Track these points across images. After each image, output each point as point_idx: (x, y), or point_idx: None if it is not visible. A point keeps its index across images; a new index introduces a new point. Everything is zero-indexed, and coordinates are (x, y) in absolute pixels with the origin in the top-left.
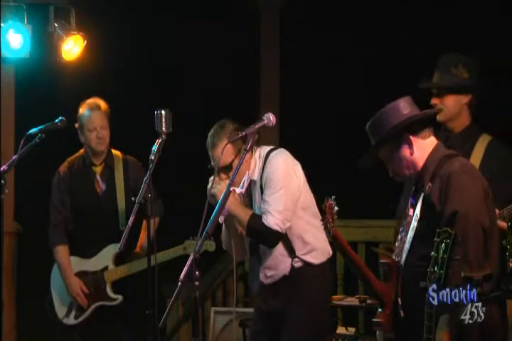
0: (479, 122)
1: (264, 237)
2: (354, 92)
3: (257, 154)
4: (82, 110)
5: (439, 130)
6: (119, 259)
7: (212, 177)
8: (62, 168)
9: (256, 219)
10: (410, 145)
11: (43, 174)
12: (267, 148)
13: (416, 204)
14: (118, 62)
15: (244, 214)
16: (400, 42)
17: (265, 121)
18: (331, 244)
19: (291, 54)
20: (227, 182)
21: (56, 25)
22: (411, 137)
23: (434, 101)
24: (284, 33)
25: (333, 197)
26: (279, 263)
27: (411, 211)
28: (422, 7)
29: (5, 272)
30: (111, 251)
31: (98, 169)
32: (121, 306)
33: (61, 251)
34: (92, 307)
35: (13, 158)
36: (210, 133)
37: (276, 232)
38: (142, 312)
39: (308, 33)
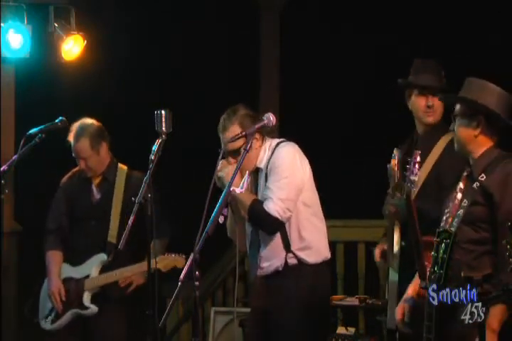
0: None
1: (263, 223)
2: (354, 92)
3: (267, 144)
4: (69, 137)
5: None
6: (104, 269)
7: (220, 160)
8: (65, 178)
9: (258, 204)
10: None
11: (42, 174)
12: (278, 140)
13: (465, 190)
14: (118, 62)
15: (247, 199)
16: (400, 43)
17: (265, 121)
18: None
19: (291, 54)
20: (235, 166)
21: (56, 25)
22: (483, 126)
23: (431, 101)
24: (284, 33)
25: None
26: (274, 254)
27: (459, 195)
28: (422, 7)
29: (5, 272)
30: (97, 260)
31: (96, 180)
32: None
33: (51, 255)
34: (68, 313)
35: (13, 158)
36: (222, 117)
37: (275, 219)
38: (142, 312)
39: (308, 33)
